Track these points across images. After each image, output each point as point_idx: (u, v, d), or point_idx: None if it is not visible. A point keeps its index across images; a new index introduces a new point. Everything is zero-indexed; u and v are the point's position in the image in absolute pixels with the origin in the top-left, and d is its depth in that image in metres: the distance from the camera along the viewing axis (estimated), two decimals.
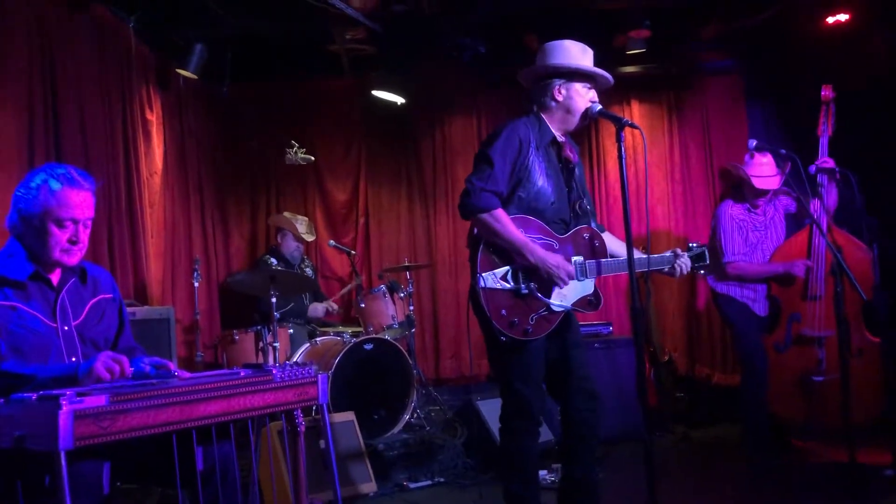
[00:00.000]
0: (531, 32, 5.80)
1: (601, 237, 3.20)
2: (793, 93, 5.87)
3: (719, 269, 4.58)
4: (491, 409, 4.71)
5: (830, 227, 4.23)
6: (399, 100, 6.19)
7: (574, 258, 3.10)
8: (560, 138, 3.20)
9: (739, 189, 4.67)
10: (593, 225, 3.23)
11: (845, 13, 5.32)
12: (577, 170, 3.25)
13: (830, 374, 4.19)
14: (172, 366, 2.50)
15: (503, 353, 3.05)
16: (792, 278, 4.36)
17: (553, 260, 2.99)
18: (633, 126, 2.89)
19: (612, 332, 5.60)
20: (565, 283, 3.02)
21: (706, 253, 3.32)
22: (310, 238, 6.16)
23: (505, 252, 2.99)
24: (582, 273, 3.10)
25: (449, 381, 6.63)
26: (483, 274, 2.97)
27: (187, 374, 2.42)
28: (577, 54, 3.17)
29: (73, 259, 2.49)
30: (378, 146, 6.88)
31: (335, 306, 6.18)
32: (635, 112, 6.66)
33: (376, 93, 6.11)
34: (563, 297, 3.05)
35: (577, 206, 3.21)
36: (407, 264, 5.96)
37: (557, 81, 3.16)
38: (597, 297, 3.15)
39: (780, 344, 4.35)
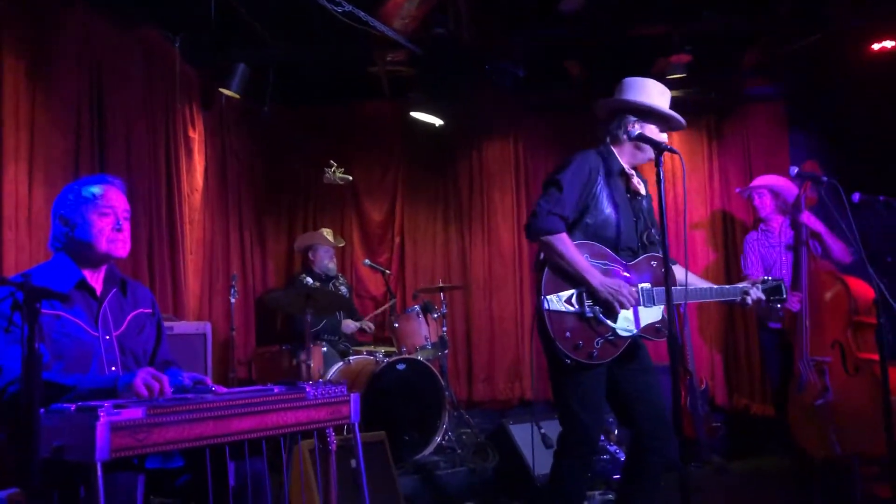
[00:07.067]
0: (571, 58, 5.80)
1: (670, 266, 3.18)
2: (838, 120, 5.77)
3: None
4: (523, 434, 4.66)
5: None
6: (437, 121, 6.22)
7: (641, 284, 3.10)
8: (628, 170, 3.23)
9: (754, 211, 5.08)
10: None
11: (891, 40, 5.24)
12: (645, 202, 3.28)
13: (832, 397, 4.11)
14: (209, 381, 2.52)
15: (565, 376, 3.04)
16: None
17: (613, 284, 2.99)
18: (672, 151, 2.87)
19: None
20: (627, 307, 3.01)
21: (782, 286, 3.29)
22: (339, 243, 6.24)
23: (570, 275, 3.00)
24: (649, 299, 3.09)
25: (481, 405, 6.57)
26: (547, 296, 2.98)
27: (224, 390, 2.44)
28: (656, 95, 3.21)
29: (121, 250, 2.54)
30: (415, 168, 6.92)
31: (371, 325, 6.19)
32: (675, 137, 6.58)
33: (415, 114, 6.15)
34: (629, 323, 3.04)
35: (644, 237, 3.22)
36: (441, 285, 5.95)
37: (632, 118, 3.20)
38: (664, 324, 3.11)
39: (798, 385, 4.30)
